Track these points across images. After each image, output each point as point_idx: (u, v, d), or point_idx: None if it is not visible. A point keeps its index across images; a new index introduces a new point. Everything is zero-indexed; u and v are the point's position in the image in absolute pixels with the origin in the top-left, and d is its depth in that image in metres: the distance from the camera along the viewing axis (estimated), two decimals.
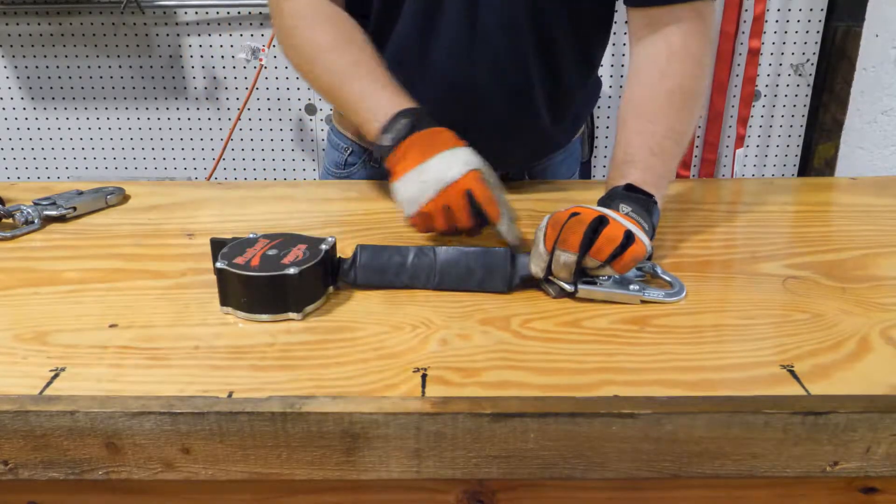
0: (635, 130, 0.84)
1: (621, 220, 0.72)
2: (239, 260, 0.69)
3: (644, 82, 0.87)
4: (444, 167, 0.76)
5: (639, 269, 0.74)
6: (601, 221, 0.70)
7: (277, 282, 0.67)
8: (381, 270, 0.73)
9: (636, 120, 0.85)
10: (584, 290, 0.71)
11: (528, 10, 0.90)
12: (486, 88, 0.94)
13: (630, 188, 0.78)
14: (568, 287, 0.70)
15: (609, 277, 0.71)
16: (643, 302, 0.71)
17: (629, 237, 0.70)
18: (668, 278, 0.74)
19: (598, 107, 2.16)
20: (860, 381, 0.58)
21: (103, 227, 0.91)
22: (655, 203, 0.79)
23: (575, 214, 0.71)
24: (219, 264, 0.69)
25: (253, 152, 2.28)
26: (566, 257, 0.69)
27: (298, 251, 0.71)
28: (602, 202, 0.79)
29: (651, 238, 0.76)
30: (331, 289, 0.73)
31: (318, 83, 0.89)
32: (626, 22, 0.92)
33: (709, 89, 0.91)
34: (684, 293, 0.72)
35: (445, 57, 0.92)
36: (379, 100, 0.83)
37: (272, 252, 0.71)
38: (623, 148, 0.84)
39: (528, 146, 1.04)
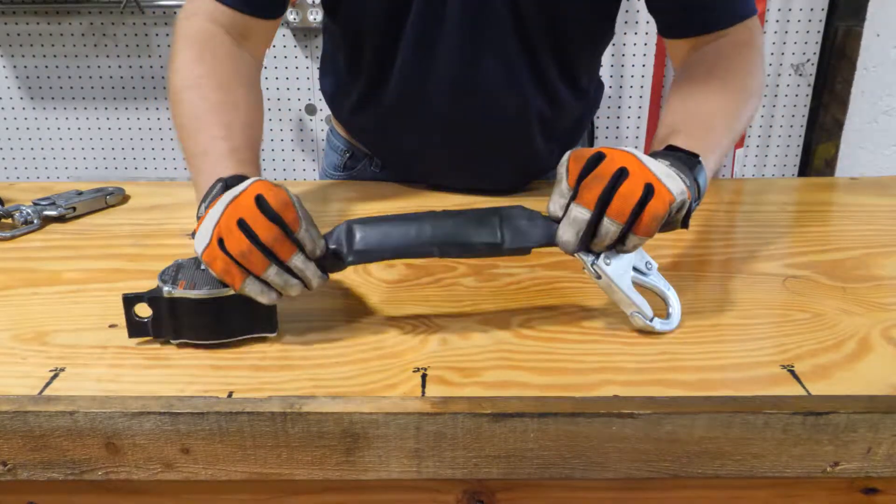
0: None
1: (651, 165, 0.63)
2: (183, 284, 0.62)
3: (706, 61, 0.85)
4: (233, 191, 0.65)
5: (635, 269, 0.67)
6: (621, 174, 0.62)
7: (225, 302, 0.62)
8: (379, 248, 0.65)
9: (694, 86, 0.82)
10: (604, 280, 0.64)
11: (520, 40, 0.90)
12: (485, 123, 0.94)
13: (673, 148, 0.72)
14: (591, 273, 0.65)
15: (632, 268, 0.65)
16: (633, 321, 0.66)
17: (649, 190, 0.61)
18: (661, 286, 0.68)
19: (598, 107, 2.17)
20: (860, 381, 0.58)
21: (103, 227, 0.91)
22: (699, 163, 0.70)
23: (600, 157, 0.63)
24: (167, 289, 0.62)
25: None
26: (579, 213, 0.62)
27: None
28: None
29: (696, 196, 0.69)
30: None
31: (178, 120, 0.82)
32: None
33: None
34: (676, 323, 0.67)
35: (444, 95, 0.92)
36: (214, 168, 0.74)
37: None
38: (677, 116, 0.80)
39: (522, 169, 1.04)
